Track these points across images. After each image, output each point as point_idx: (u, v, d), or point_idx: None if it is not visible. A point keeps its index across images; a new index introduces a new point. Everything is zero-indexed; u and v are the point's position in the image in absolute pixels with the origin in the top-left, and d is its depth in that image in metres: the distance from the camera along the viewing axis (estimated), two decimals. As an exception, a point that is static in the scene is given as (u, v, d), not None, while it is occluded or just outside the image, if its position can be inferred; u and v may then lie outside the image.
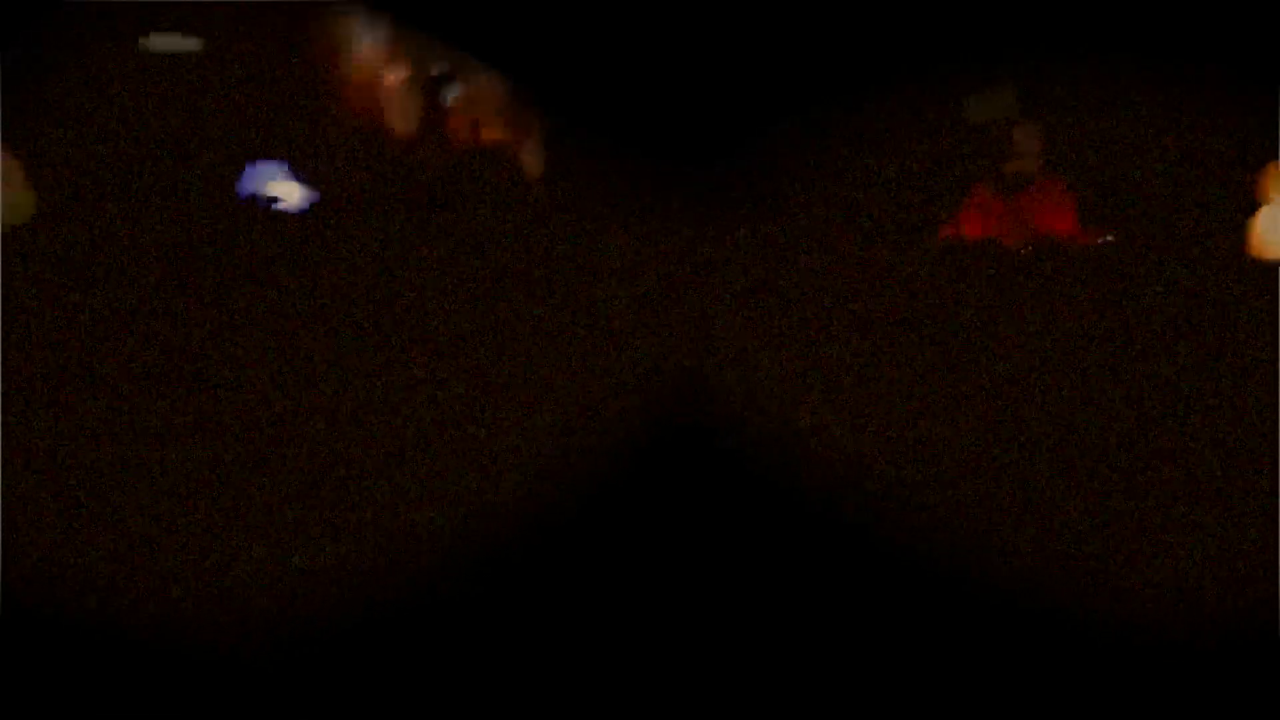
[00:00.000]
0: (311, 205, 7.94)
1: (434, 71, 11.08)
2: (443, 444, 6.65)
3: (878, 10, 7.19)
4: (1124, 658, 4.72)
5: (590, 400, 6.90)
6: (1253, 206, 7.16)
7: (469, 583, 5.12)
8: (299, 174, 8.21)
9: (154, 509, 5.83)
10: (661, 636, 4.71)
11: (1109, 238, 7.35)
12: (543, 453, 6.46)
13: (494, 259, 7.28)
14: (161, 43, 9.55)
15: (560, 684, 4.37)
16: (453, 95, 11.22)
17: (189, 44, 9.50)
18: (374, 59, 10.94)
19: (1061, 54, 7.74)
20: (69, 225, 7.87)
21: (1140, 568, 5.52)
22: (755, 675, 4.55)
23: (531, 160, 9.61)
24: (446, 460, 6.50)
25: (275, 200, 8.21)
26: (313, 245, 7.38)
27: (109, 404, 6.12)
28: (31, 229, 7.34)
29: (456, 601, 4.97)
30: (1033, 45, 7.67)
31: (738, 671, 4.54)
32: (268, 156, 8.14)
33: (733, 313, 7.92)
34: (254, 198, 7.93)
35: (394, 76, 11.32)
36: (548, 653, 4.56)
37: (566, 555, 5.36)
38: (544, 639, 4.68)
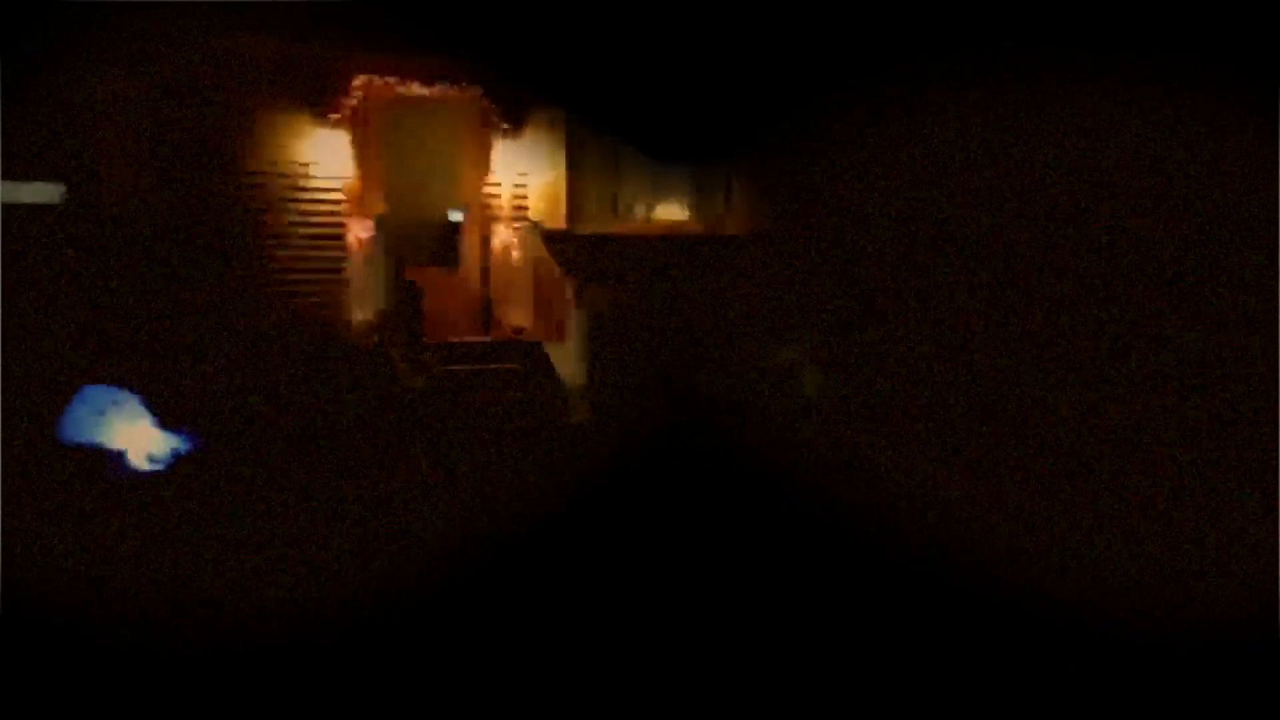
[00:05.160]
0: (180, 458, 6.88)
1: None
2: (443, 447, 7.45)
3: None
4: (1124, 657, 4.97)
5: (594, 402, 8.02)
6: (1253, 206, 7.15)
7: (470, 585, 5.87)
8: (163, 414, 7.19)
9: (151, 513, 6.41)
10: (661, 637, 5.30)
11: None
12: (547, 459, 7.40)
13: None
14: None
15: (561, 683, 4.88)
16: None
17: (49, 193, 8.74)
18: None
19: (1062, 53, 7.71)
20: (69, 226, 7.98)
21: (1140, 568, 5.89)
22: (756, 675, 4.99)
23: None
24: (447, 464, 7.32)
25: (121, 460, 7.00)
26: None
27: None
28: (32, 229, 7.80)
29: (457, 602, 5.65)
30: (1033, 45, 7.65)
31: (738, 671, 4.99)
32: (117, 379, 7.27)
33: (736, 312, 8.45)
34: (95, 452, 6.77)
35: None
36: (547, 653, 5.14)
37: (568, 555, 6.29)
38: (544, 638, 5.32)
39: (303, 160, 10.22)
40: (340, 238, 10.36)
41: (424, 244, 10.89)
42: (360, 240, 10.29)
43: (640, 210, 12.34)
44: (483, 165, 11.28)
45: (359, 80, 10.44)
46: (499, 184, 11.40)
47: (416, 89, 10.79)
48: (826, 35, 9.10)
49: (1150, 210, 8.43)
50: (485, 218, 11.31)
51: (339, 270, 10.30)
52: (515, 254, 11.00)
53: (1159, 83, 8.07)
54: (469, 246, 11.24)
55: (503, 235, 11.19)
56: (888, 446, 9.19)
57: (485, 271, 11.21)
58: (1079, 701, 4.83)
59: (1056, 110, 8.83)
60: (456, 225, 11.25)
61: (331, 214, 10.38)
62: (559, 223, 11.47)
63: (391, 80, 10.63)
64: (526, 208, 11.50)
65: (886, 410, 10.05)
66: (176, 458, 8.14)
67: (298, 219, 10.20)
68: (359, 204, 10.47)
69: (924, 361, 10.21)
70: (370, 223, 10.22)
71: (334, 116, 10.32)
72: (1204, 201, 8.29)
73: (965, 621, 5.46)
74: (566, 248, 10.75)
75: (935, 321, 10.40)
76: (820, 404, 10.66)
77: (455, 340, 10.45)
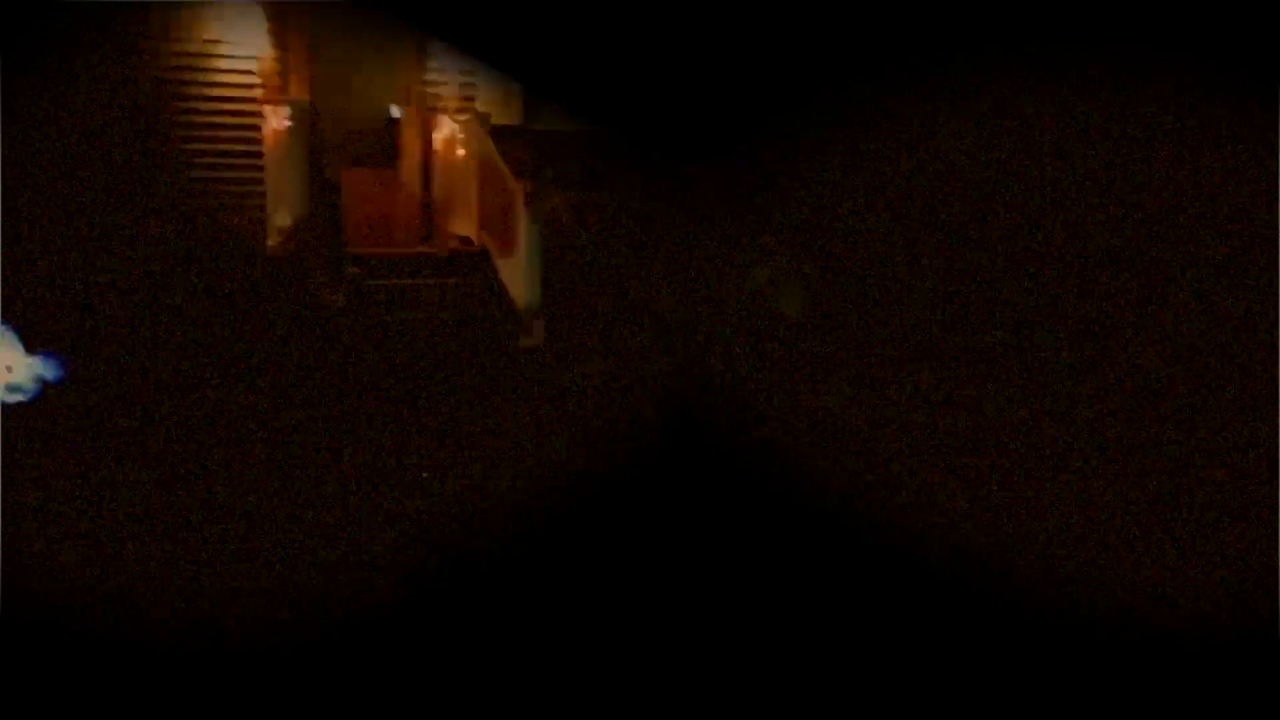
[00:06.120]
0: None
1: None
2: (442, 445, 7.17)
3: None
4: (1125, 658, 4.95)
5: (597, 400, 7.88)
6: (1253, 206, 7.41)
7: (470, 581, 5.56)
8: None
9: (150, 512, 6.16)
10: (662, 636, 5.08)
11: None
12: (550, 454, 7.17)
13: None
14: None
15: (561, 683, 4.66)
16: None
17: None
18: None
19: (1061, 52, 7.95)
20: (68, 226, 7.85)
21: (1141, 568, 5.86)
22: (756, 675, 4.84)
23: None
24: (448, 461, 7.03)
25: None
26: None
27: (107, 408, 6.48)
28: (31, 229, 7.38)
29: (458, 600, 5.42)
30: (1033, 43, 7.80)
31: (738, 671, 4.85)
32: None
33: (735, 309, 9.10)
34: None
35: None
36: (548, 652, 4.91)
37: (570, 553, 5.92)
38: (543, 637, 5.07)
39: (208, 36, 8.77)
40: (255, 129, 8.95)
41: (355, 139, 9.49)
42: (278, 133, 8.88)
43: (605, 105, 10.97)
44: (426, 46, 9.87)
45: (276, -58, 8.97)
46: (444, 69, 10.01)
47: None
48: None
49: (1149, 210, 8.42)
50: (428, 110, 9.90)
51: (254, 168, 8.91)
52: (460, 152, 9.62)
53: (1158, 83, 8.03)
54: (408, 143, 9.84)
55: (447, 130, 9.79)
56: (868, 407, 8.45)
57: (427, 173, 9.84)
58: (1075, 701, 4.78)
59: (1055, 109, 8.69)
60: (394, 119, 9.85)
61: (244, 100, 8.94)
62: (513, 117, 10.12)
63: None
64: (474, 98, 10.11)
65: (871, 359, 9.08)
66: (43, 385, 6.87)
67: (201, 105, 8.77)
68: (277, 89, 9.03)
69: (917, 355, 9.44)
70: (289, 111, 8.80)
71: (246, -16, 8.85)
72: (1204, 202, 8.22)
73: (948, 616, 5.38)
74: (518, 146, 9.40)
75: (931, 316, 9.71)
76: (801, 328, 9.57)
77: (388, 251, 9.13)
